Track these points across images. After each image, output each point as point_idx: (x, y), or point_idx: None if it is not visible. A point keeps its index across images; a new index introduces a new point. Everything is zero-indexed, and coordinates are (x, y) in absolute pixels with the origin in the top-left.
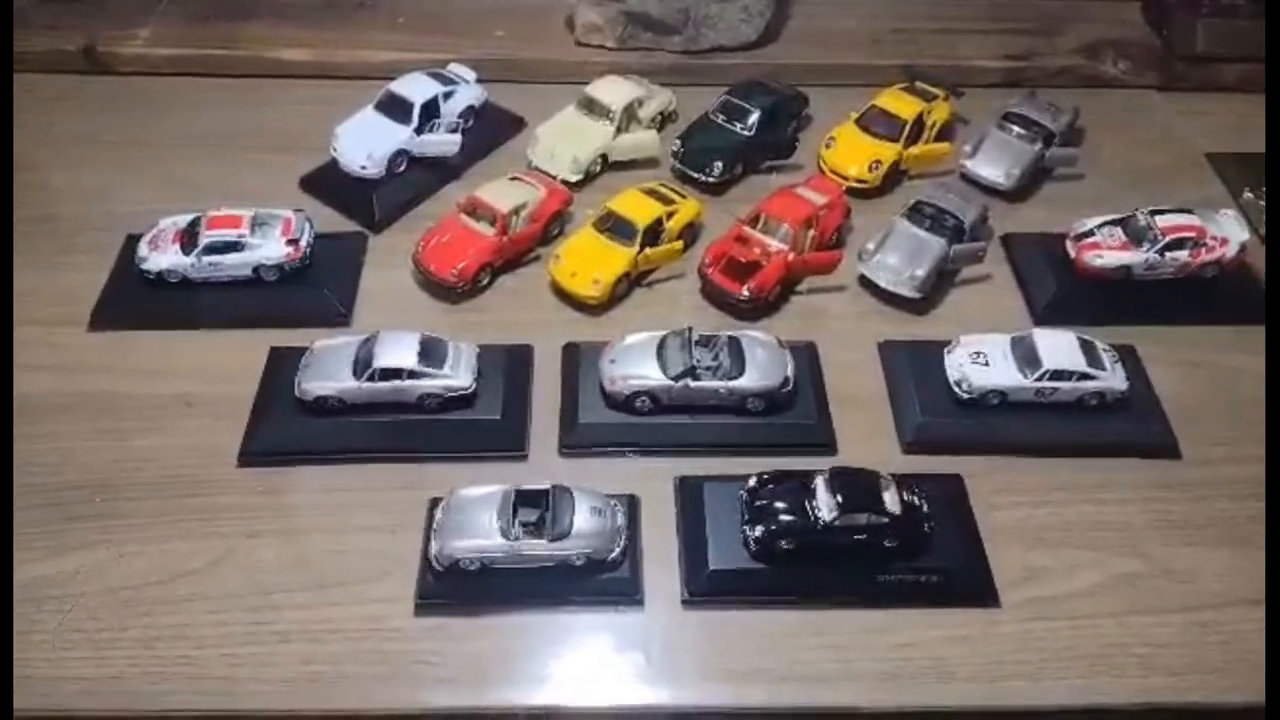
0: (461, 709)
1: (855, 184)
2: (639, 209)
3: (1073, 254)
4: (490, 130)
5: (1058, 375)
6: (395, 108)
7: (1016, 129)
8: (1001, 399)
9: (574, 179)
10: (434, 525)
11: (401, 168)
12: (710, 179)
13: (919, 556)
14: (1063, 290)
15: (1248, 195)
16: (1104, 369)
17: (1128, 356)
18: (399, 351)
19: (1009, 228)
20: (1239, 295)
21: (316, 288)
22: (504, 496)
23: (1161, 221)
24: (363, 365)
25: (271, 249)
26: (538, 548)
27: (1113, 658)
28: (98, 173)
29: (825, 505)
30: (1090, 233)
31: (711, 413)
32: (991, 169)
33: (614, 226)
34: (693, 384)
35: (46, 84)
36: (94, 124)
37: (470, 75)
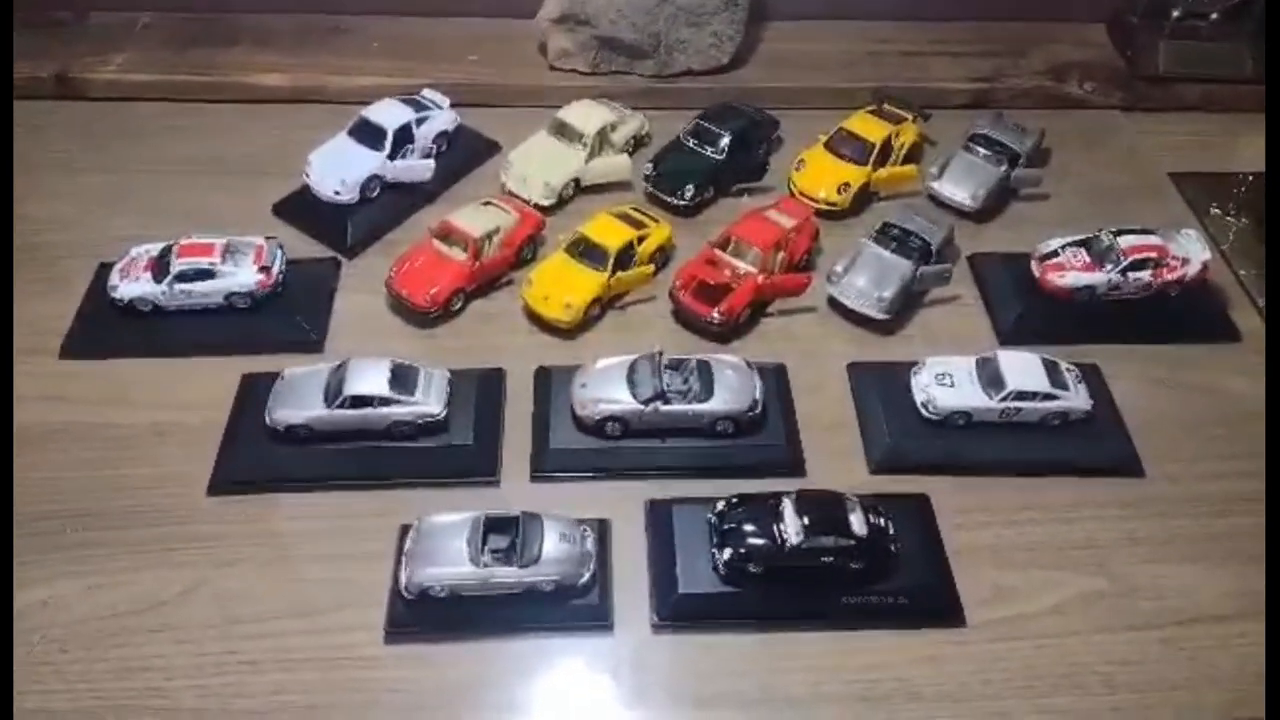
0: None
1: (824, 206)
2: (610, 233)
3: (1037, 274)
4: (464, 155)
5: (1022, 396)
6: (369, 134)
7: (982, 150)
8: (967, 420)
9: (547, 203)
10: (404, 553)
11: (375, 193)
12: (682, 202)
13: (885, 578)
14: (1027, 310)
15: (1214, 212)
16: (1067, 389)
17: (1091, 375)
18: (370, 379)
19: (975, 248)
20: (1201, 314)
21: (289, 314)
22: (473, 524)
23: (1124, 242)
24: (333, 393)
25: (243, 277)
26: (507, 574)
27: (1077, 676)
28: (69, 200)
29: (792, 528)
30: (1054, 253)
31: (681, 436)
32: (958, 190)
33: (586, 251)
34: (663, 408)
35: (18, 109)
36: (66, 151)
37: (444, 101)
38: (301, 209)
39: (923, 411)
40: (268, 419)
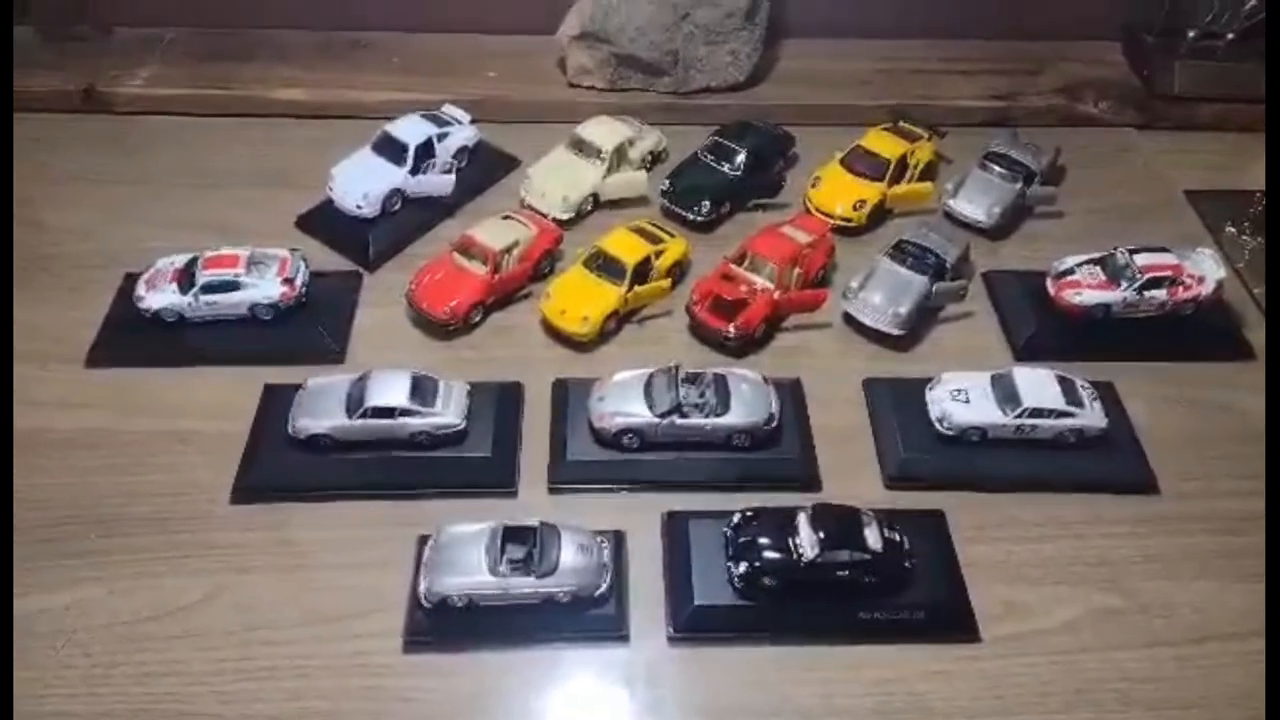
0: None
1: (840, 222)
2: (628, 248)
3: (1052, 292)
4: (483, 169)
5: (1037, 413)
6: (391, 149)
7: (998, 168)
8: (982, 436)
9: (565, 218)
10: (423, 562)
11: (396, 207)
12: (698, 218)
13: (900, 592)
14: (1043, 327)
15: (1229, 230)
16: (1083, 406)
17: (1106, 393)
18: (391, 390)
19: (990, 266)
20: (1216, 332)
21: (311, 325)
22: (491, 534)
23: (1140, 260)
24: (355, 403)
25: (267, 288)
26: (525, 584)
27: (1091, 692)
28: (95, 211)
29: (807, 542)
30: (1070, 271)
31: (698, 449)
32: (973, 207)
33: (603, 265)
34: (679, 421)
35: (44, 123)
36: (92, 163)
37: (464, 116)
38: (324, 222)
39: (938, 427)
40: (290, 428)
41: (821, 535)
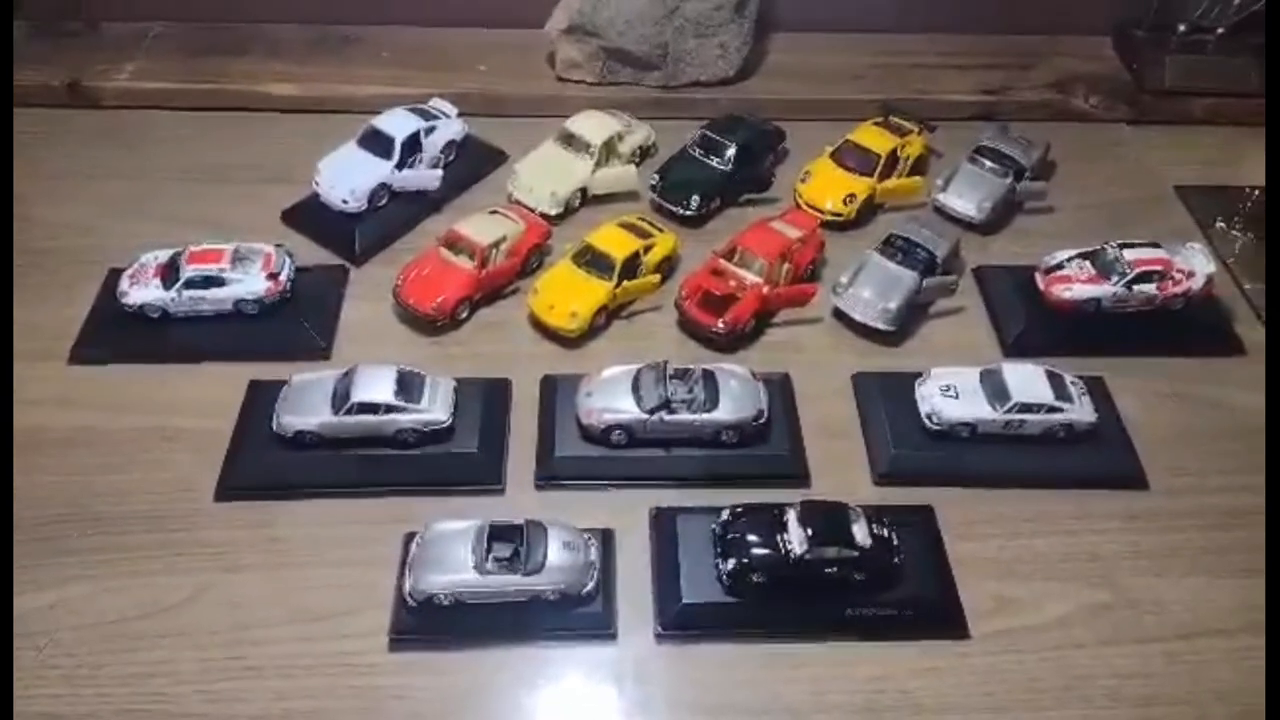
0: None
1: (830, 217)
2: (617, 243)
3: (1042, 287)
4: (471, 164)
5: (1026, 408)
6: (377, 143)
7: (988, 163)
8: (971, 431)
9: (553, 213)
10: (409, 560)
11: (383, 202)
12: (688, 212)
13: (889, 589)
14: (1033, 322)
15: (1219, 225)
16: (1071, 401)
17: (1096, 388)
18: (376, 386)
19: (980, 260)
20: (1206, 327)
21: (297, 321)
22: (478, 531)
23: (1130, 255)
24: (340, 400)
25: (252, 284)
26: (511, 582)
27: (1081, 688)
28: (80, 206)
29: (796, 539)
30: (1060, 266)
31: (686, 445)
32: (963, 202)
33: (592, 260)
34: (667, 417)
35: (31, 117)
36: (78, 157)
37: (452, 110)
38: (310, 217)
39: (927, 423)
40: (275, 425)
41: (810, 532)
